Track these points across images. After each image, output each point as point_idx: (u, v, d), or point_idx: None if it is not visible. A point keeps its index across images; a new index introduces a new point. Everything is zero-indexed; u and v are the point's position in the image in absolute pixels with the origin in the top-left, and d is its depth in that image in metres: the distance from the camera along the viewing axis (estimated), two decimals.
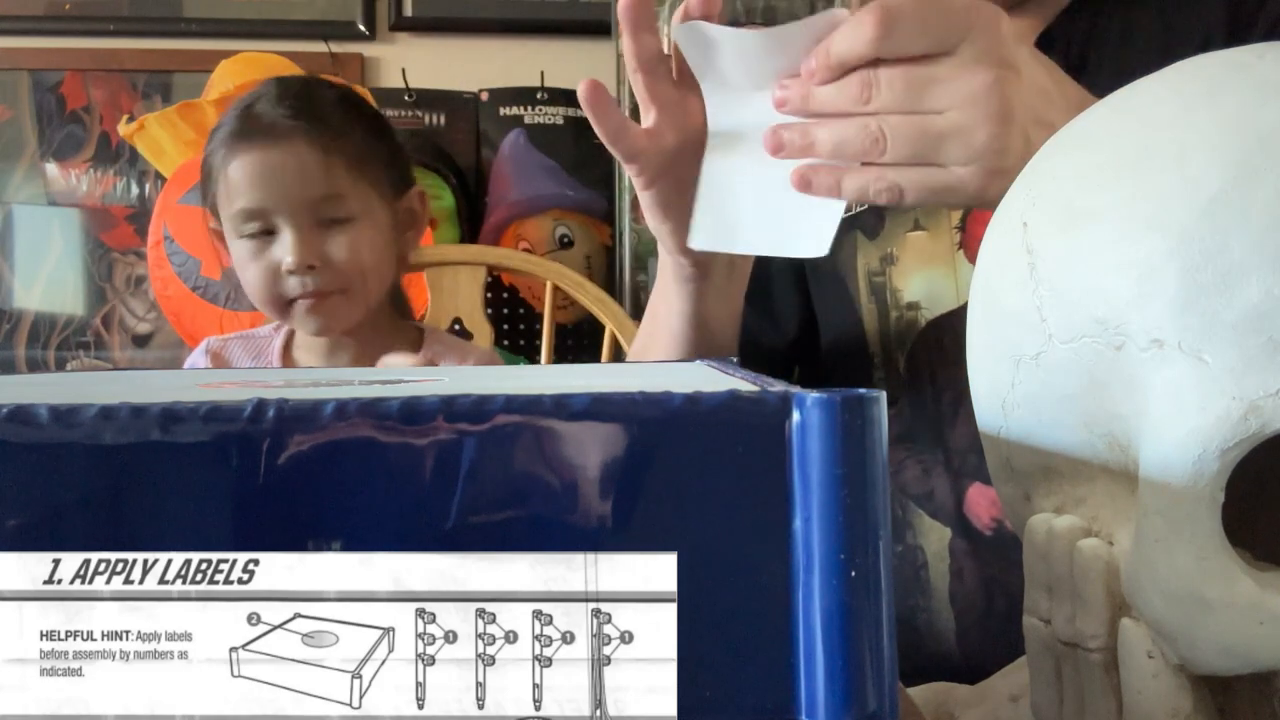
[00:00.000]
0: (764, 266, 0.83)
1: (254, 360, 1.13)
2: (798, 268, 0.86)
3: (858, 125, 0.56)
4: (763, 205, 0.59)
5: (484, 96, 2.31)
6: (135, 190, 2.27)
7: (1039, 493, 0.39)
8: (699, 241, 0.62)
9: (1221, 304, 0.33)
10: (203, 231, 1.84)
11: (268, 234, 1.04)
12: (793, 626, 0.24)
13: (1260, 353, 0.32)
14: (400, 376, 0.44)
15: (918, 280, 0.78)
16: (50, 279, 2.27)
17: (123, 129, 1.93)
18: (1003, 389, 0.39)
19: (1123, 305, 0.35)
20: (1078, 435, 0.37)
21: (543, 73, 2.29)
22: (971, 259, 0.76)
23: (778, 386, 0.26)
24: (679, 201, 0.66)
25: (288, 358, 1.12)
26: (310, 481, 0.24)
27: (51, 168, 2.27)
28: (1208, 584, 0.33)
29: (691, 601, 0.24)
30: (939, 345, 0.77)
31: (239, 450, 0.24)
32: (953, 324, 0.76)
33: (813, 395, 0.24)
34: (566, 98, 2.25)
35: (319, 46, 2.28)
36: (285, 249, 1.02)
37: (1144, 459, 0.34)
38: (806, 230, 0.58)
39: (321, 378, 0.44)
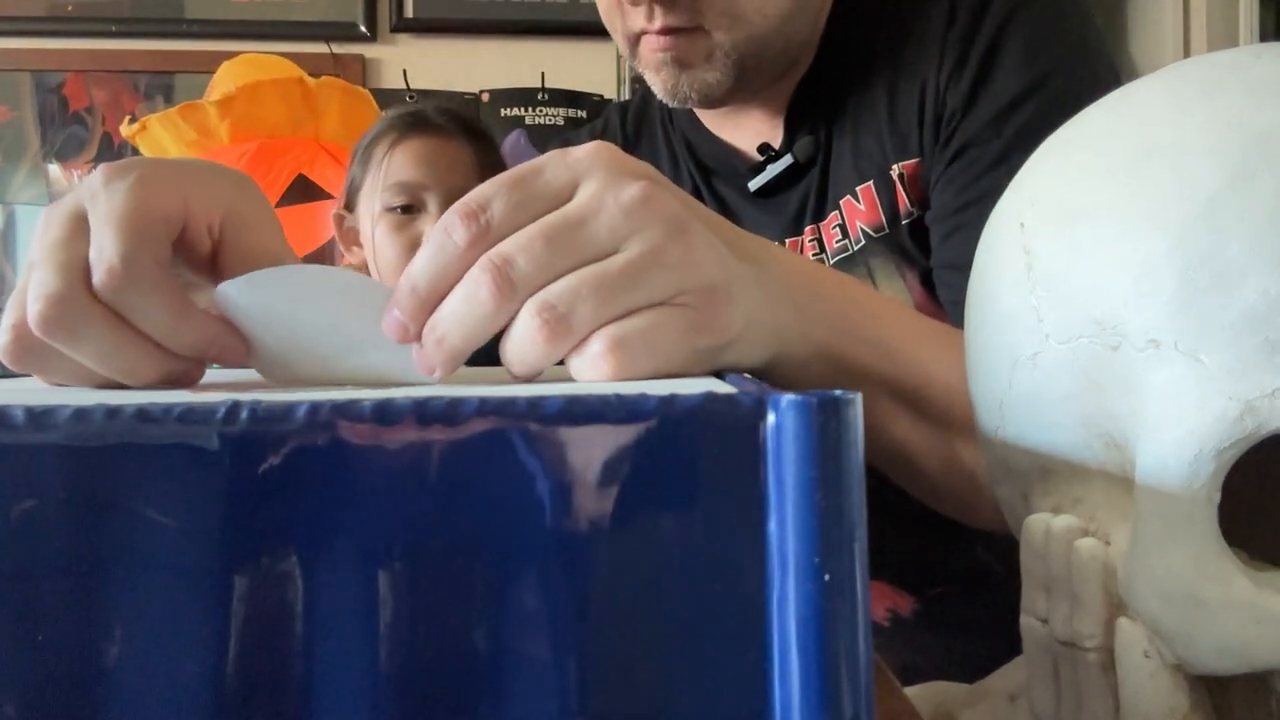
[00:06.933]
0: None
1: None
2: None
3: (520, 329, 0.38)
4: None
5: (485, 97, 2.31)
6: None
7: (1036, 493, 0.39)
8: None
9: (1218, 304, 0.32)
10: None
11: (409, 211, 1.17)
12: (767, 631, 0.24)
13: (1257, 353, 0.32)
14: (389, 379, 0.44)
15: None
16: None
17: (125, 130, 1.93)
18: (1000, 390, 0.39)
19: (1119, 305, 0.35)
20: (1075, 436, 0.37)
21: (543, 73, 2.29)
22: None
23: (753, 388, 0.26)
24: None
25: None
26: (283, 484, 0.24)
27: (54, 168, 2.28)
28: (1204, 584, 0.33)
29: (664, 605, 0.24)
30: None
31: (212, 452, 0.24)
32: None
33: (788, 397, 0.24)
34: (567, 98, 2.26)
35: (320, 48, 2.29)
36: (430, 224, 1.16)
37: (1141, 459, 0.34)
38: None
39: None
